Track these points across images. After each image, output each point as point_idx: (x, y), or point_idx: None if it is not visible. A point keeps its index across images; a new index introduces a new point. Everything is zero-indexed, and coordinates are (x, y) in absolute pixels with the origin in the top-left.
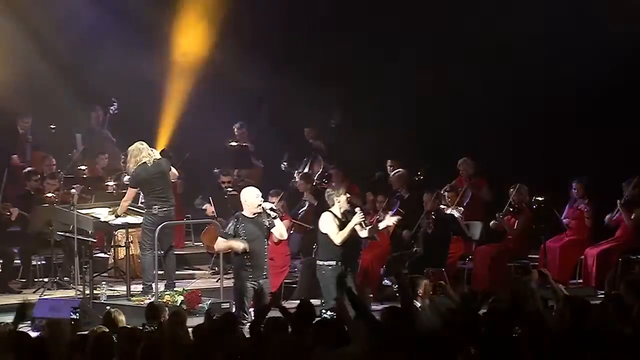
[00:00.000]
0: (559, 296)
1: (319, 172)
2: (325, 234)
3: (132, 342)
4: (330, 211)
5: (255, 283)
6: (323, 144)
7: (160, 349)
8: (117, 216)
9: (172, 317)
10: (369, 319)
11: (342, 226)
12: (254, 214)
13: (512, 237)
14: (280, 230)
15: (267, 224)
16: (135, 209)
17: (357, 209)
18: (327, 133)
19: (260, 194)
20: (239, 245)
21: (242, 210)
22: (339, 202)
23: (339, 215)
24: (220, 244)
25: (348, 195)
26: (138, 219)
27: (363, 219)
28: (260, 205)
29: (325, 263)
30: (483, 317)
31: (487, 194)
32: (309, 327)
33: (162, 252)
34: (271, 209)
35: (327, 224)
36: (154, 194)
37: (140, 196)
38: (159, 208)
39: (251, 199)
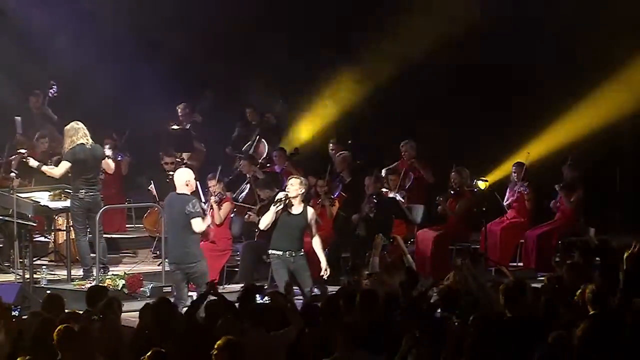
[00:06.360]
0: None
1: (263, 154)
2: None
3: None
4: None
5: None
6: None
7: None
8: (38, 166)
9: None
10: None
11: None
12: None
13: (453, 220)
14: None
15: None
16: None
17: (281, 193)
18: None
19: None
20: None
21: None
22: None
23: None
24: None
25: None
26: None
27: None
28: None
29: None
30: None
31: (429, 177)
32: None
33: (91, 236)
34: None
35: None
36: (83, 177)
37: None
38: (85, 192)
39: (192, 180)
